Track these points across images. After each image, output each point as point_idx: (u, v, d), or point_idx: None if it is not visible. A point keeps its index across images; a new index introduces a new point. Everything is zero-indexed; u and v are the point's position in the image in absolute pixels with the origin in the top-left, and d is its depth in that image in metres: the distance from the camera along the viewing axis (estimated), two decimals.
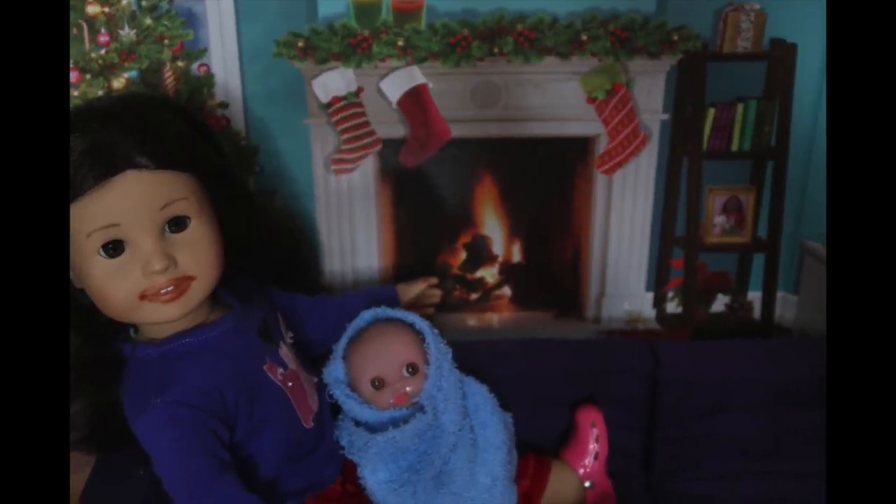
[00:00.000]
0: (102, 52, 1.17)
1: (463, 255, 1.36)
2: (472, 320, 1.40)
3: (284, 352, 1.01)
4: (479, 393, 1.10)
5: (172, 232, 0.89)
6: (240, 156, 1.24)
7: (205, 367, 0.92)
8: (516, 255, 1.37)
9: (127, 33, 1.17)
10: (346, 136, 1.26)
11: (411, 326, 1.09)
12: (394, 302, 1.19)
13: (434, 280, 1.27)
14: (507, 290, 1.39)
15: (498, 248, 1.36)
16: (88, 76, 1.18)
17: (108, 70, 1.18)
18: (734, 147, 1.31)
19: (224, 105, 1.23)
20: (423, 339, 1.08)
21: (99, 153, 0.83)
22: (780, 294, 1.41)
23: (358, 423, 1.06)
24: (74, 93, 1.17)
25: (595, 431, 1.18)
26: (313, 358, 1.10)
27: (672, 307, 1.41)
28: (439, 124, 1.26)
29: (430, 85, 1.24)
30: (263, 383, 0.96)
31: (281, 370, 0.98)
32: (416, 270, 1.32)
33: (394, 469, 1.01)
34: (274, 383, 0.97)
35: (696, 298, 1.41)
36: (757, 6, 1.22)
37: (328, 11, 1.19)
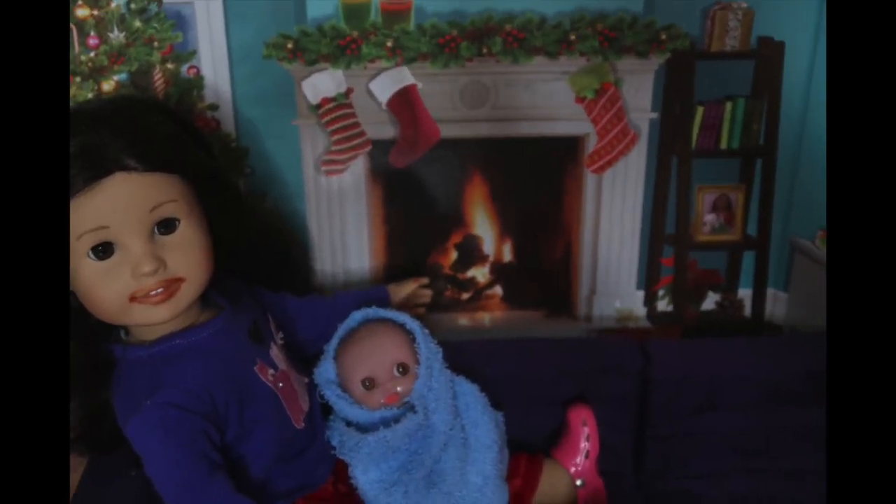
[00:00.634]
0: (92, 54, 1.17)
1: (454, 254, 1.36)
2: (463, 320, 1.40)
3: (275, 353, 1.01)
4: (470, 392, 1.10)
5: (162, 234, 0.89)
6: (230, 157, 1.24)
7: (195, 368, 0.92)
8: (507, 255, 1.37)
9: (116, 36, 1.17)
10: (335, 137, 1.26)
11: (402, 326, 1.09)
12: (384, 302, 1.19)
13: (425, 280, 1.27)
14: (498, 290, 1.40)
15: (488, 247, 1.36)
16: (78, 79, 1.18)
17: (97, 73, 1.18)
18: (723, 145, 1.31)
19: (214, 107, 1.23)
20: (413, 339, 1.08)
21: (88, 156, 0.83)
22: (770, 291, 1.41)
23: (349, 424, 1.06)
24: None
25: (586, 430, 1.18)
26: (304, 358, 1.10)
27: (663, 305, 1.41)
28: (429, 125, 1.26)
29: (420, 85, 1.24)
30: (254, 384, 0.96)
31: (271, 371, 0.99)
32: (407, 270, 1.32)
33: (385, 469, 1.01)
34: (264, 384, 0.97)
35: (686, 296, 1.41)
36: (744, 5, 1.22)
37: (317, 13, 1.19)
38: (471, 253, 1.36)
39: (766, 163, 1.33)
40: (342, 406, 1.05)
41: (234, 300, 1.00)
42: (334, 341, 1.09)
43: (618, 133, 1.29)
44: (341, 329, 1.10)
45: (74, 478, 1.02)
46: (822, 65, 1.25)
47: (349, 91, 1.24)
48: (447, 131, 1.27)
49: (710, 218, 1.36)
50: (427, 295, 1.27)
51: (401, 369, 1.06)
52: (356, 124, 1.26)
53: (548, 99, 1.27)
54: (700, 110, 1.28)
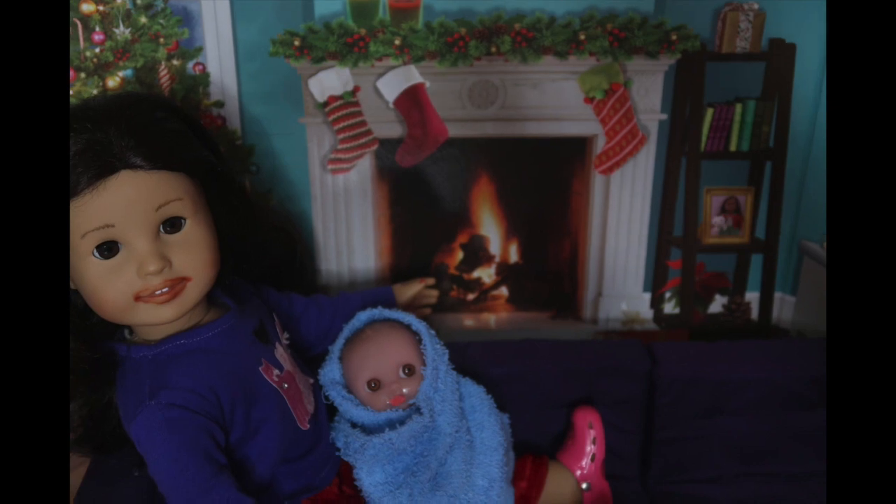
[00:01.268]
0: (97, 50, 1.17)
1: (460, 255, 1.36)
2: (468, 321, 1.40)
3: (280, 353, 1.01)
4: (476, 394, 1.10)
5: (167, 232, 0.89)
6: (235, 155, 1.23)
7: (200, 368, 0.91)
8: (513, 256, 1.37)
9: (122, 32, 1.17)
10: (342, 135, 1.26)
11: (408, 327, 1.09)
12: (390, 302, 1.19)
13: (431, 280, 1.27)
14: (504, 291, 1.39)
15: (495, 248, 1.36)
16: (83, 75, 1.17)
17: (102, 69, 1.17)
18: (732, 147, 1.31)
19: (220, 104, 1.22)
20: (419, 340, 1.08)
21: (93, 154, 0.83)
22: (777, 295, 1.41)
23: (354, 425, 1.05)
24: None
25: (592, 433, 1.17)
26: (309, 359, 1.10)
27: (669, 308, 1.41)
28: (436, 124, 1.26)
29: (427, 84, 1.24)
30: (259, 385, 0.96)
31: (276, 371, 0.98)
32: (413, 271, 1.32)
33: (390, 471, 1.01)
34: (269, 385, 0.96)
35: (693, 299, 1.40)
36: (756, 6, 1.22)
37: (325, 10, 1.19)
38: (477, 253, 1.36)
39: (775, 165, 1.32)
40: (347, 407, 1.05)
41: (240, 300, 1.00)
42: (339, 342, 1.09)
43: (626, 134, 1.28)
44: (347, 329, 1.10)
45: (77, 478, 1.01)
46: None
47: (356, 89, 1.23)
48: (455, 130, 1.27)
49: (718, 220, 1.35)
50: (433, 295, 1.27)
51: (406, 370, 1.05)
52: (363, 123, 1.25)
53: (556, 99, 1.26)
54: (710, 112, 1.28)
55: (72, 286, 0.89)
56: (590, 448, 1.17)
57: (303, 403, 1.01)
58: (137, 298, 0.87)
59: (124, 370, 0.93)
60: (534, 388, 1.21)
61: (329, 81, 1.22)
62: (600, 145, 1.29)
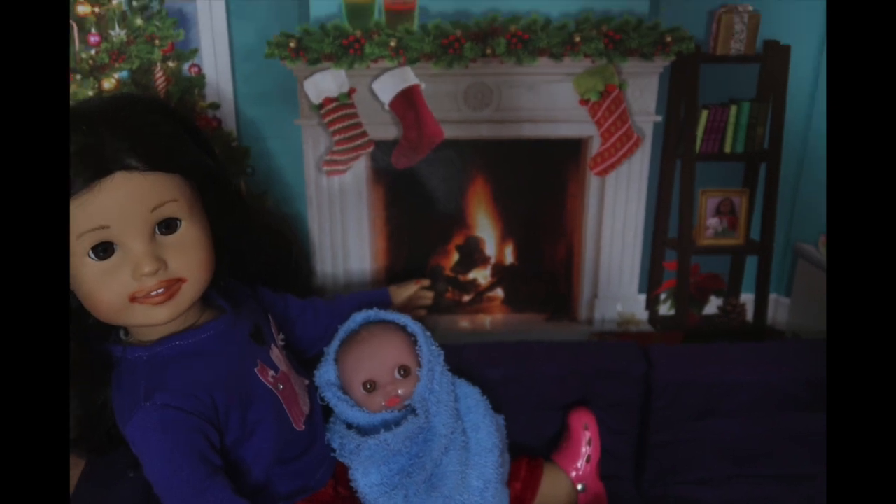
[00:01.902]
0: (93, 52, 1.17)
1: (455, 256, 1.36)
2: (464, 322, 1.40)
3: (275, 354, 1.01)
4: (472, 395, 1.10)
5: (163, 234, 0.89)
6: (231, 157, 1.23)
7: (195, 369, 0.91)
8: (509, 257, 1.37)
9: (117, 34, 1.17)
10: (337, 137, 1.26)
11: (403, 328, 1.09)
12: (386, 304, 1.19)
13: (426, 282, 1.26)
14: (499, 292, 1.39)
15: (490, 249, 1.36)
16: (79, 77, 1.17)
17: (98, 71, 1.17)
18: (727, 149, 1.31)
19: (215, 106, 1.22)
20: (415, 342, 1.08)
21: (89, 155, 0.83)
22: (772, 296, 1.41)
23: (349, 426, 1.05)
24: None
25: (587, 434, 1.17)
26: (305, 361, 1.10)
27: (665, 309, 1.41)
28: (431, 126, 1.26)
29: (423, 86, 1.24)
30: (254, 386, 0.96)
31: (272, 372, 0.98)
32: (409, 272, 1.32)
33: (385, 472, 1.01)
34: (265, 386, 0.96)
35: (688, 301, 1.40)
36: (750, 8, 1.22)
37: (320, 12, 1.19)
38: (472, 255, 1.36)
39: (770, 167, 1.32)
40: (343, 408, 1.05)
41: (235, 301, 1.00)
42: (335, 343, 1.09)
43: (621, 136, 1.28)
44: (342, 331, 1.10)
45: (72, 479, 1.01)
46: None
47: (352, 91, 1.24)
48: (450, 132, 1.27)
49: (713, 222, 1.35)
50: (428, 297, 1.27)
51: (402, 372, 1.05)
52: (358, 124, 1.25)
53: (551, 100, 1.26)
54: (704, 114, 1.28)
55: None
56: (585, 449, 1.17)
57: (298, 404, 1.01)
58: (133, 299, 0.87)
59: (120, 371, 0.93)
60: (529, 390, 1.21)
61: (324, 83, 1.22)
62: (595, 147, 1.30)
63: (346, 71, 1.22)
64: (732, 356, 1.26)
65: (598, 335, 1.41)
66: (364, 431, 1.04)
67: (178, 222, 0.89)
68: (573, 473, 1.17)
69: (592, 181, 1.32)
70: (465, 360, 1.18)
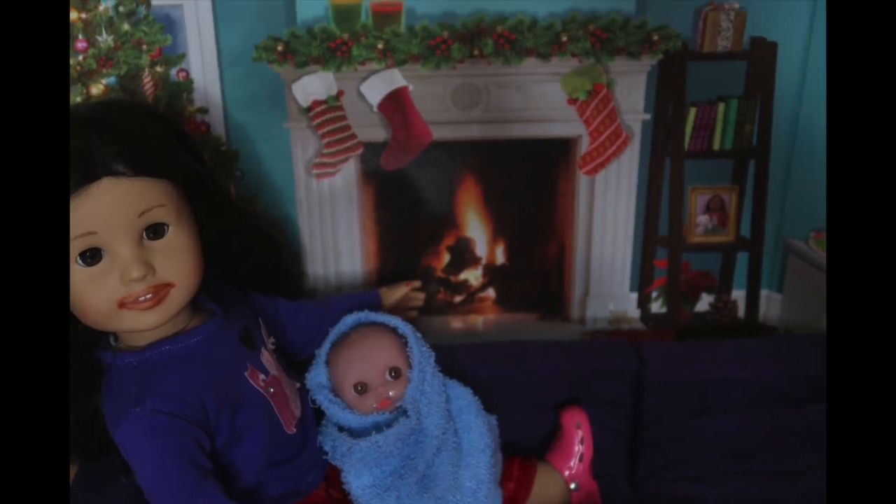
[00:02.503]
0: (80, 58, 1.17)
1: (446, 257, 1.36)
2: (456, 323, 1.40)
3: (266, 357, 1.01)
4: (463, 396, 1.09)
5: (151, 239, 0.88)
6: (220, 161, 1.23)
7: (185, 374, 0.91)
8: (500, 257, 1.37)
9: (105, 39, 1.17)
10: (326, 139, 1.26)
11: (394, 330, 1.09)
12: (376, 306, 1.19)
13: (417, 283, 1.26)
14: (490, 293, 1.39)
15: (481, 250, 1.36)
16: None
17: (86, 76, 1.17)
18: (716, 146, 1.31)
19: (203, 110, 1.22)
20: (405, 343, 1.07)
21: (76, 161, 0.82)
22: (764, 292, 1.41)
23: (341, 429, 1.05)
24: None
25: (580, 433, 1.17)
26: (295, 363, 1.09)
27: (656, 307, 1.41)
28: (420, 127, 1.26)
29: (411, 88, 1.24)
30: (245, 390, 0.96)
31: (262, 376, 0.98)
32: (400, 274, 1.32)
33: (377, 474, 1.01)
34: (255, 390, 0.96)
35: (680, 298, 1.41)
36: (736, 5, 1.22)
37: (307, 15, 1.19)
38: (463, 255, 1.36)
39: (759, 164, 1.32)
40: (334, 411, 1.04)
41: (225, 305, 1.00)
42: (326, 346, 1.09)
43: (610, 134, 1.28)
44: (333, 333, 1.10)
45: None
46: (815, 65, 1.25)
47: (340, 94, 1.24)
48: (439, 133, 1.27)
49: (703, 219, 1.35)
50: (419, 298, 1.27)
51: (393, 373, 1.05)
52: (347, 127, 1.25)
53: (540, 100, 1.26)
54: (693, 111, 1.28)
55: None
56: (578, 448, 1.17)
57: (289, 408, 1.01)
58: (121, 305, 0.87)
59: (110, 377, 0.92)
60: (521, 390, 1.21)
61: (312, 86, 1.22)
62: (584, 146, 1.30)
63: (333, 73, 1.22)
64: (725, 353, 1.26)
65: (590, 334, 1.41)
66: (356, 434, 1.04)
67: (166, 227, 0.89)
68: (566, 472, 1.17)
69: (582, 180, 1.32)
70: (456, 361, 1.18)
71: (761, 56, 1.26)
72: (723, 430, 1.23)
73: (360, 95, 1.24)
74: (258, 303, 1.09)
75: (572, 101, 1.26)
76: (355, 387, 1.05)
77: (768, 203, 1.35)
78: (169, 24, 1.18)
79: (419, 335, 1.08)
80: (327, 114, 1.24)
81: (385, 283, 1.27)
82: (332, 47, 1.20)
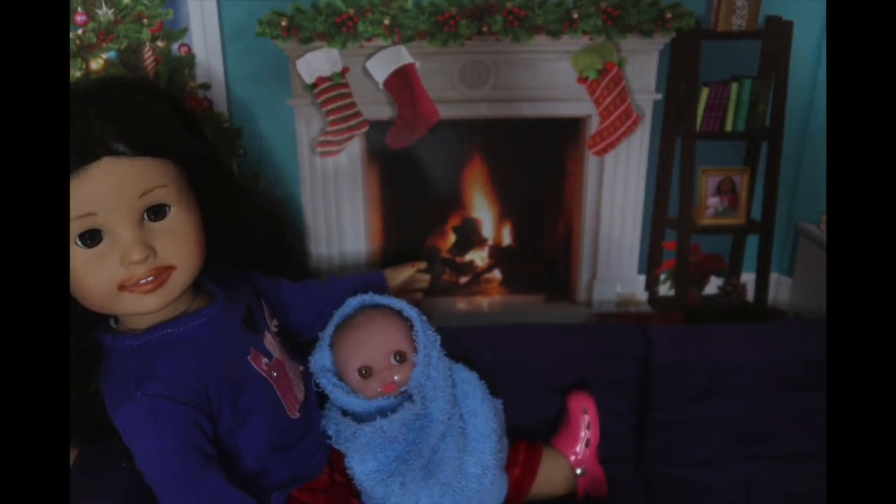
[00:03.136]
0: (79, 32, 1.15)
1: (452, 238, 1.35)
2: (461, 304, 1.39)
3: (269, 341, 1.00)
4: (469, 380, 1.09)
5: (152, 220, 0.87)
6: (222, 138, 1.22)
7: (186, 358, 0.91)
8: (506, 238, 1.35)
9: (104, 13, 1.15)
10: (331, 117, 1.24)
11: (399, 313, 1.08)
12: (381, 287, 1.18)
13: (422, 265, 1.26)
14: (497, 274, 1.38)
15: (487, 230, 1.35)
16: None
17: (85, 51, 1.16)
18: (728, 127, 1.29)
19: (206, 86, 1.20)
20: (411, 327, 1.07)
21: (75, 140, 0.81)
22: (774, 276, 1.40)
23: (345, 413, 1.05)
24: None
25: (586, 418, 1.17)
26: (299, 346, 1.09)
27: (665, 290, 1.40)
28: (427, 105, 1.24)
29: (418, 65, 1.22)
30: (247, 373, 0.95)
31: (265, 360, 0.97)
32: (404, 254, 1.31)
33: (381, 459, 1.01)
34: (258, 373, 0.96)
35: (688, 281, 1.39)
36: None
37: None
38: (469, 236, 1.35)
39: (771, 145, 1.31)
40: (338, 395, 1.04)
41: (227, 287, 0.99)
42: (330, 328, 1.08)
43: (621, 114, 1.27)
44: (337, 316, 1.09)
45: None
46: None
47: (345, 70, 1.22)
48: (446, 112, 1.25)
49: (713, 201, 1.34)
50: (425, 280, 1.26)
51: (398, 357, 1.05)
52: (352, 104, 1.24)
53: (549, 79, 1.24)
54: (705, 91, 1.26)
55: None
56: (584, 433, 1.17)
57: (292, 391, 1.00)
58: (122, 288, 0.86)
59: (110, 360, 0.92)
60: (528, 373, 1.20)
61: (317, 62, 1.20)
62: (594, 126, 1.28)
63: (339, 50, 1.20)
64: (733, 336, 1.25)
65: (597, 316, 1.40)
66: (360, 418, 1.03)
67: (168, 208, 0.88)
68: (572, 458, 1.16)
69: (591, 160, 1.30)
70: (462, 344, 1.17)
71: (776, 35, 1.23)
72: (730, 413, 1.23)
73: (366, 72, 1.22)
74: (261, 284, 1.08)
75: (582, 79, 1.25)
76: (360, 370, 1.04)
77: (780, 185, 1.33)
78: None
79: (425, 319, 1.08)
80: (332, 91, 1.22)
81: (390, 264, 1.26)
82: (337, 23, 1.18)
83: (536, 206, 1.34)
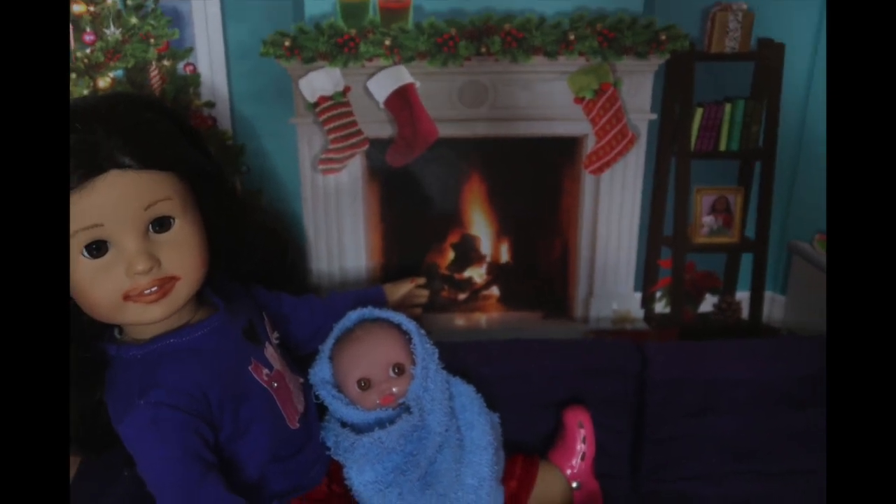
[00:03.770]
0: (88, 51, 1.17)
1: (451, 254, 1.36)
2: (459, 320, 1.40)
3: (270, 352, 1.01)
4: (466, 393, 1.10)
5: (156, 232, 0.89)
6: (226, 155, 1.23)
7: (189, 368, 0.91)
8: (504, 256, 1.37)
9: (112, 32, 1.17)
10: (333, 135, 1.26)
11: (398, 327, 1.09)
12: (381, 302, 1.19)
13: (421, 280, 1.27)
14: (495, 291, 1.39)
15: (486, 247, 1.36)
16: (73, 75, 1.17)
17: (93, 69, 1.17)
18: (722, 147, 1.31)
19: (210, 104, 1.22)
20: (409, 340, 1.08)
21: (82, 153, 0.83)
22: (768, 294, 1.41)
23: (344, 424, 1.05)
24: None
25: (582, 432, 1.17)
26: (299, 358, 1.10)
27: (660, 307, 1.41)
28: (426, 124, 1.26)
29: (418, 84, 1.24)
30: (248, 384, 0.96)
31: (266, 371, 0.98)
32: (404, 270, 1.32)
33: (379, 470, 1.01)
34: (259, 384, 0.97)
35: (684, 298, 1.40)
36: (744, 6, 1.22)
37: (315, 11, 1.19)
38: (468, 253, 1.36)
39: (765, 165, 1.32)
40: (337, 406, 1.05)
41: (229, 299, 1.00)
42: (330, 341, 1.09)
43: (616, 134, 1.28)
44: (337, 329, 1.10)
45: None
46: (822, 67, 1.25)
47: (347, 89, 1.23)
48: (445, 131, 1.27)
49: (708, 220, 1.35)
50: (423, 295, 1.27)
51: (396, 370, 1.05)
52: (353, 123, 1.25)
53: (546, 99, 1.26)
54: (699, 112, 1.28)
55: None
56: (580, 447, 1.17)
57: (292, 403, 1.01)
58: (126, 298, 0.87)
59: (114, 370, 0.93)
60: (524, 388, 1.21)
61: (319, 82, 1.22)
62: (590, 145, 1.29)
63: (340, 69, 1.22)
64: (728, 353, 1.26)
65: (593, 333, 1.41)
66: (358, 429, 1.04)
67: (172, 220, 0.89)
68: (568, 471, 1.17)
69: (587, 179, 1.32)
70: (460, 359, 1.18)
71: (769, 57, 1.25)
72: (725, 429, 1.23)
73: (367, 91, 1.24)
74: (262, 297, 1.10)
75: (579, 99, 1.26)
76: (359, 383, 1.05)
77: (773, 205, 1.35)
78: (177, 17, 1.18)
79: (423, 332, 1.09)
80: (334, 109, 1.24)
81: (389, 280, 1.27)
82: (339, 43, 1.20)
83: (534, 223, 1.35)
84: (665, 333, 1.42)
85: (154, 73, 1.19)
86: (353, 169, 1.28)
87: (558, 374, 1.22)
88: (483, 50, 1.22)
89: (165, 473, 0.87)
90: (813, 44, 1.24)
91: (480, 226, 1.34)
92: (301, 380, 1.06)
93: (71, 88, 1.17)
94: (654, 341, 1.35)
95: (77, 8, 1.14)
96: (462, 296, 1.39)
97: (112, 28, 1.17)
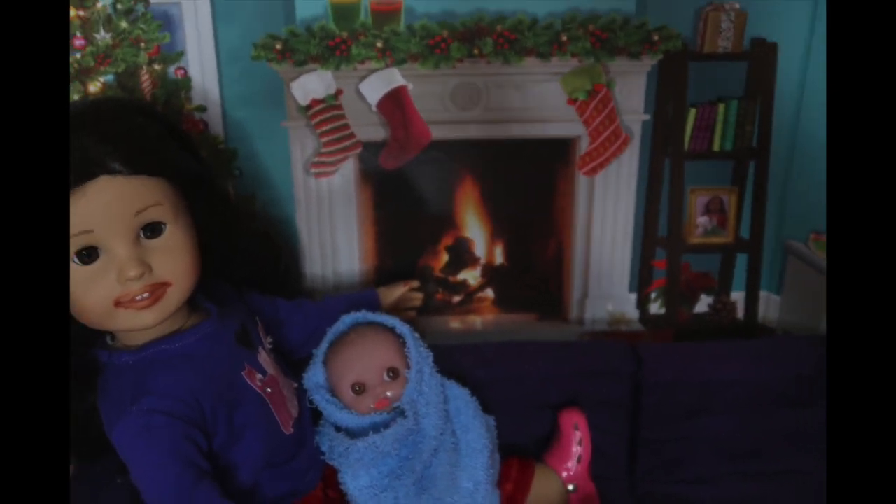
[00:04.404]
0: (78, 55, 1.16)
1: (445, 257, 1.36)
2: (454, 323, 1.40)
3: (263, 357, 1.00)
4: (461, 397, 1.09)
5: (147, 238, 0.88)
6: (218, 159, 1.23)
7: (182, 374, 0.91)
8: (498, 258, 1.36)
9: (103, 37, 1.16)
10: (325, 138, 1.25)
11: (392, 330, 1.09)
12: (375, 306, 1.19)
13: (415, 283, 1.26)
14: (489, 293, 1.39)
15: (480, 250, 1.36)
16: None
17: (83, 74, 1.17)
18: (716, 147, 1.31)
19: (201, 108, 1.22)
20: (403, 343, 1.07)
21: (72, 159, 0.82)
22: (763, 294, 1.41)
23: (338, 429, 1.05)
24: None
25: (578, 434, 1.17)
26: (293, 363, 1.09)
27: (655, 308, 1.41)
28: (419, 126, 1.25)
29: (410, 87, 1.23)
30: (242, 389, 0.95)
31: (260, 376, 0.98)
32: (398, 273, 1.31)
33: (375, 474, 1.01)
34: (252, 389, 0.96)
35: (679, 299, 1.40)
36: (737, 6, 1.22)
37: (306, 13, 1.18)
38: (462, 255, 1.35)
39: (759, 165, 1.32)
40: (331, 411, 1.04)
41: (222, 304, 0.99)
42: (324, 345, 1.09)
43: (610, 135, 1.28)
44: (330, 333, 1.10)
45: None
46: (815, 66, 1.25)
47: (339, 92, 1.23)
48: (438, 133, 1.27)
49: (702, 220, 1.35)
50: (418, 298, 1.27)
51: (391, 374, 1.05)
52: (346, 126, 1.25)
53: (539, 100, 1.26)
54: (693, 112, 1.28)
55: None
56: (576, 449, 1.17)
57: (286, 408, 1.01)
58: (118, 304, 0.87)
59: (106, 376, 0.92)
60: (520, 391, 1.21)
61: (311, 85, 1.22)
62: (584, 146, 1.29)
63: (332, 72, 1.22)
64: (723, 354, 1.26)
65: (588, 335, 1.41)
66: (353, 434, 1.03)
67: (163, 226, 0.89)
68: (564, 474, 1.16)
69: (581, 180, 1.32)
70: (455, 362, 1.18)
71: (762, 57, 1.25)
72: (721, 430, 1.23)
73: (359, 94, 1.24)
74: (256, 302, 1.09)
75: (572, 101, 1.26)
76: (353, 387, 1.05)
77: (768, 204, 1.35)
78: (167, 21, 1.17)
79: (417, 335, 1.08)
80: (326, 113, 1.24)
81: (383, 283, 1.26)
82: (331, 46, 1.20)
83: (528, 225, 1.35)
84: (660, 334, 1.42)
85: (145, 77, 1.19)
86: (346, 172, 1.28)
87: (553, 377, 1.21)
88: (475, 52, 1.22)
89: (159, 480, 0.86)
90: (806, 43, 1.24)
91: (474, 228, 1.34)
92: (295, 384, 1.05)
93: None
94: (649, 342, 1.35)
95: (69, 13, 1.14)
96: (456, 298, 1.39)
97: (102, 32, 1.16)
